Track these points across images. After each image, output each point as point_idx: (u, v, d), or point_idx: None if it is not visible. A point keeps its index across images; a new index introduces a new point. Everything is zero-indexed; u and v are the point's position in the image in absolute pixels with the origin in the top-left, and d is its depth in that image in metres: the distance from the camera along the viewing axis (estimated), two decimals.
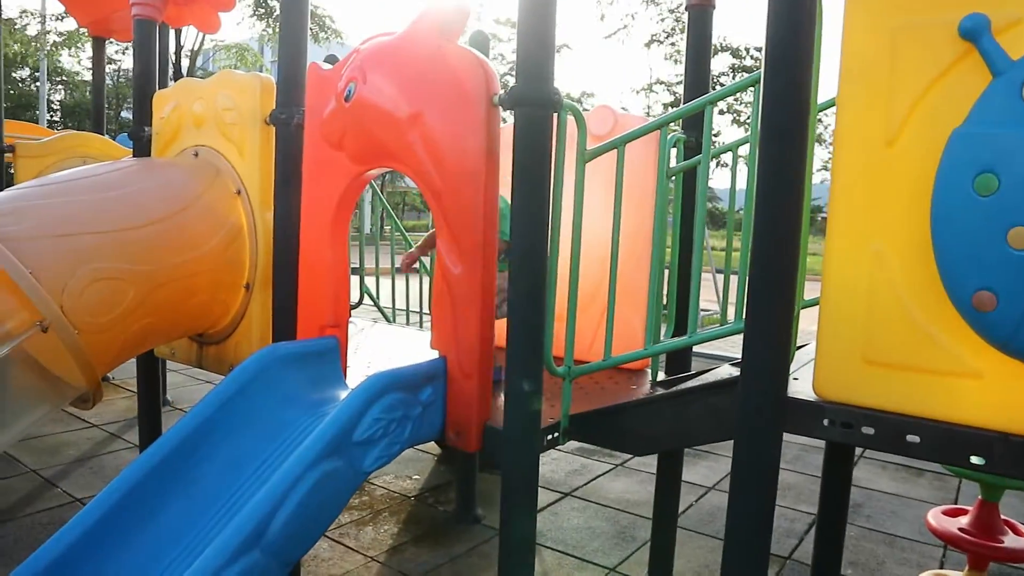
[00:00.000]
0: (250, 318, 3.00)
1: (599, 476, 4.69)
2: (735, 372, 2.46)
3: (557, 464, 4.85)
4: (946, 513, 3.18)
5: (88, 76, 31.81)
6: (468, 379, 2.29)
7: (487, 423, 2.32)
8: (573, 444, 2.82)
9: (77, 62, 28.42)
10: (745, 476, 1.87)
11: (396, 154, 2.40)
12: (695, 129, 2.97)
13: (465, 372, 2.29)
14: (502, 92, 2.22)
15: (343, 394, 2.61)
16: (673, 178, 2.85)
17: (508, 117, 2.42)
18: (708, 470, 4.83)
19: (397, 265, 3.30)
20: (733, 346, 7.58)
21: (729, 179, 3.02)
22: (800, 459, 5.17)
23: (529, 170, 2.14)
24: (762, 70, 1.83)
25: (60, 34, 22.29)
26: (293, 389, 2.52)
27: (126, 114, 31.70)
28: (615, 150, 2.43)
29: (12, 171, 5.19)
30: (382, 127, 2.41)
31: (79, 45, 21.67)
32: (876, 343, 1.72)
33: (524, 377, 2.17)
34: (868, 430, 1.75)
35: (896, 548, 3.88)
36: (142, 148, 3.47)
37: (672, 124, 2.78)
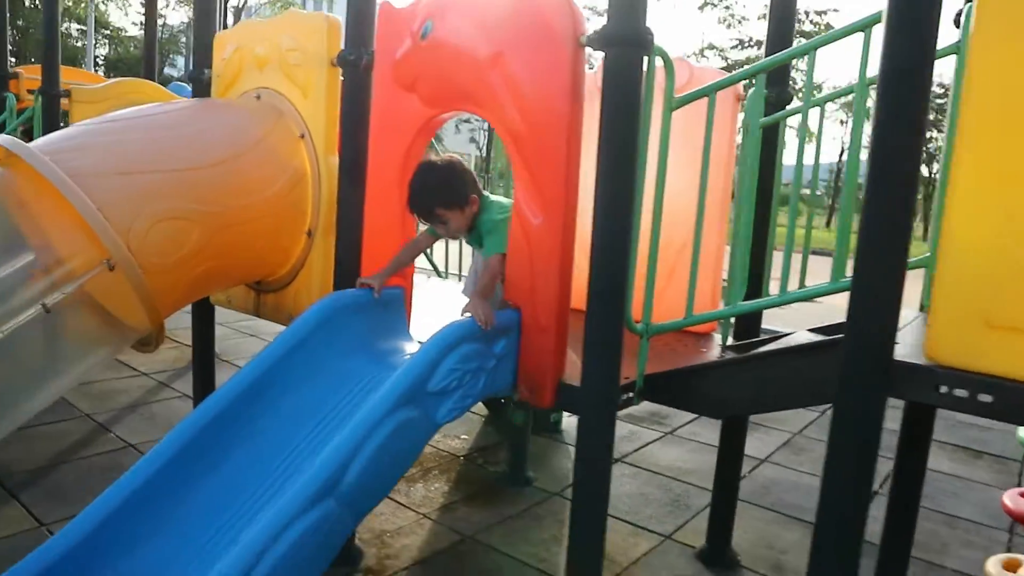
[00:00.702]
0: (311, 266, 2.93)
1: (649, 443, 4.60)
2: (814, 337, 2.35)
3: None
4: (1023, 495, 3.05)
5: (132, 31, 31.99)
6: (544, 333, 2.20)
7: (562, 380, 2.23)
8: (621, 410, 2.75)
9: (124, 14, 28.59)
10: (845, 443, 1.76)
11: (474, 96, 2.30)
12: (776, 85, 2.82)
13: (541, 326, 2.20)
14: (589, 32, 2.10)
15: (408, 344, 2.54)
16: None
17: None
18: (760, 442, 4.72)
19: None
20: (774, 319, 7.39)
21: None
22: None
23: (619, 115, 2.02)
24: (885, 6, 1.68)
25: None
26: (357, 338, 2.46)
27: (169, 70, 31.87)
28: (697, 101, 2.30)
29: (67, 116, 5.18)
30: (460, 68, 2.30)
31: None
32: (1002, 306, 1.60)
33: (605, 333, 2.07)
34: (985, 398, 1.63)
35: (959, 530, 3.75)
36: (202, 90, 3.39)
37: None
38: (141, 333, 2.57)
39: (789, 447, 4.74)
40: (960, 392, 1.66)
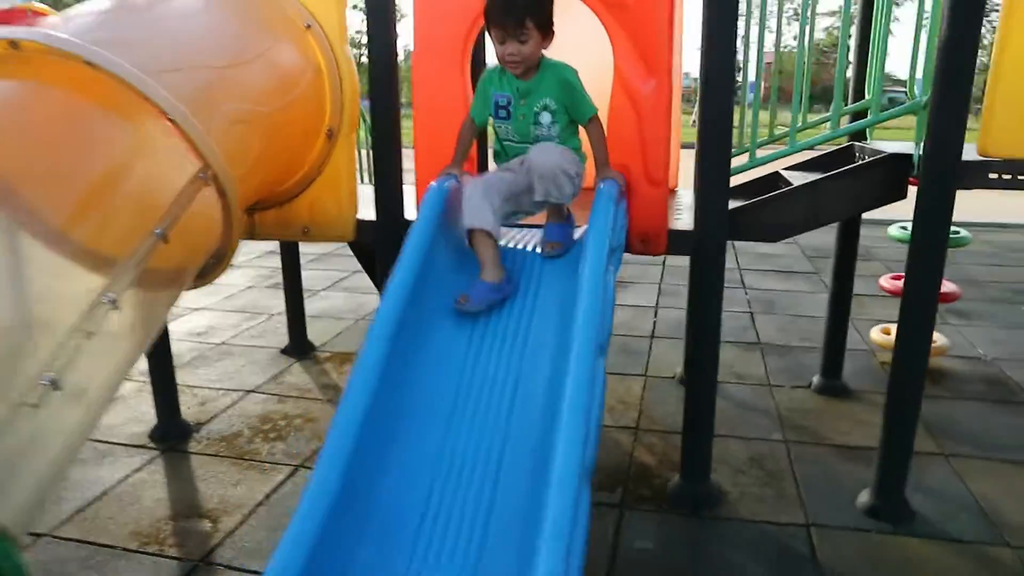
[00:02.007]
0: (336, 170, 2.77)
1: None
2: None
3: None
4: (894, 279, 4.05)
5: None
6: (657, 187, 2.47)
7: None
8: None
9: None
10: (929, 229, 2.35)
11: None
12: None
13: (654, 181, 2.46)
14: None
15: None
16: None
17: None
18: (642, 295, 5.41)
19: None
20: None
21: None
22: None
23: None
24: None
25: None
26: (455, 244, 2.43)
27: None
28: None
29: None
30: None
31: None
32: None
33: (716, 177, 2.42)
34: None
35: (801, 325, 4.80)
36: None
37: None
38: (207, 260, 2.29)
39: (665, 294, 5.56)
40: (1008, 176, 2.31)
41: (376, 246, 2.80)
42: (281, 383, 3.94)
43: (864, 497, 2.71)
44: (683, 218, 2.78)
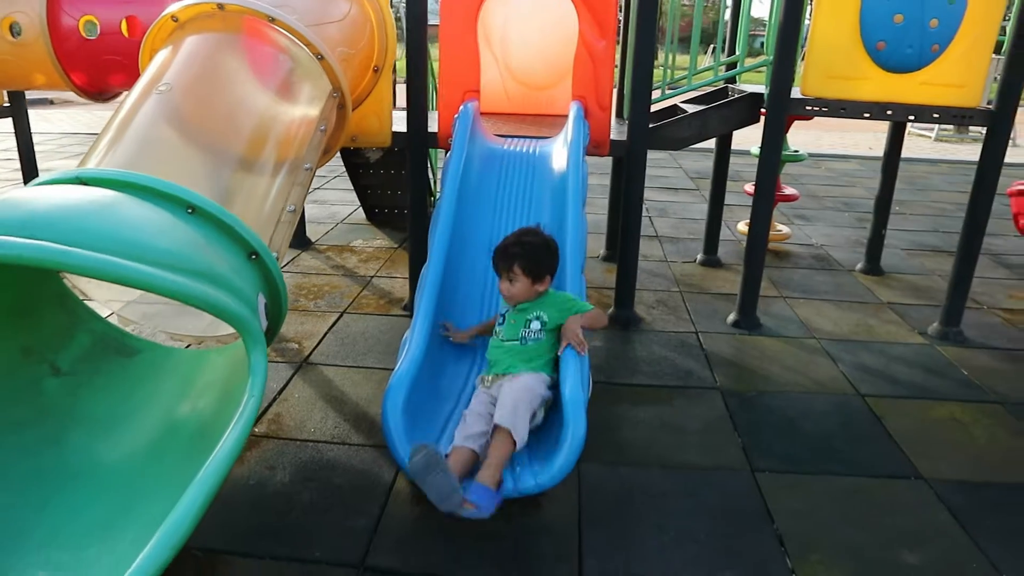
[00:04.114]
0: (379, 95, 3.91)
1: None
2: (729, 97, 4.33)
3: None
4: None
5: None
6: (604, 111, 3.81)
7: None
8: None
9: None
10: (771, 140, 3.78)
11: None
12: None
13: (603, 107, 3.80)
14: None
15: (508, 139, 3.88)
16: None
17: None
18: None
19: None
20: None
21: None
22: None
23: None
24: None
25: None
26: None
27: None
28: None
29: None
30: None
31: None
32: (835, 66, 3.68)
33: (641, 106, 3.77)
34: (837, 108, 3.76)
35: (690, 226, 6.31)
36: None
37: None
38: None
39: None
40: (819, 107, 3.76)
41: (408, 148, 3.99)
42: (299, 265, 5.08)
43: (731, 317, 4.20)
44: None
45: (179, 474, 1.94)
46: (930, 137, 12.95)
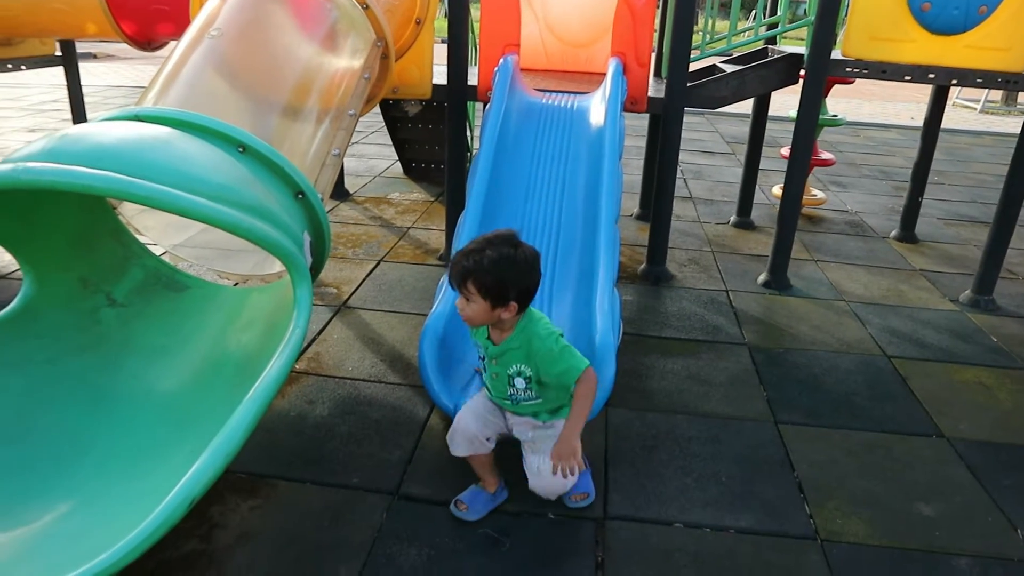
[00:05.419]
0: (420, 47, 3.97)
1: None
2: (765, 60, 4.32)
3: None
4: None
5: None
6: (643, 67, 3.83)
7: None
8: None
9: None
10: (809, 102, 3.78)
11: None
12: None
13: (641, 63, 3.81)
14: None
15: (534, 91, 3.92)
16: None
17: None
18: None
19: None
20: None
21: None
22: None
23: None
24: None
25: None
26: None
27: None
28: None
29: None
30: None
31: None
32: (878, 28, 3.66)
33: (679, 63, 3.78)
34: (878, 71, 3.74)
35: (724, 189, 6.31)
36: None
37: None
38: None
39: None
40: (861, 67, 3.75)
41: (448, 100, 4.04)
42: (338, 215, 5.19)
43: (761, 277, 4.24)
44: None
45: (225, 403, 2.05)
46: (975, 109, 12.66)
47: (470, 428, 2.20)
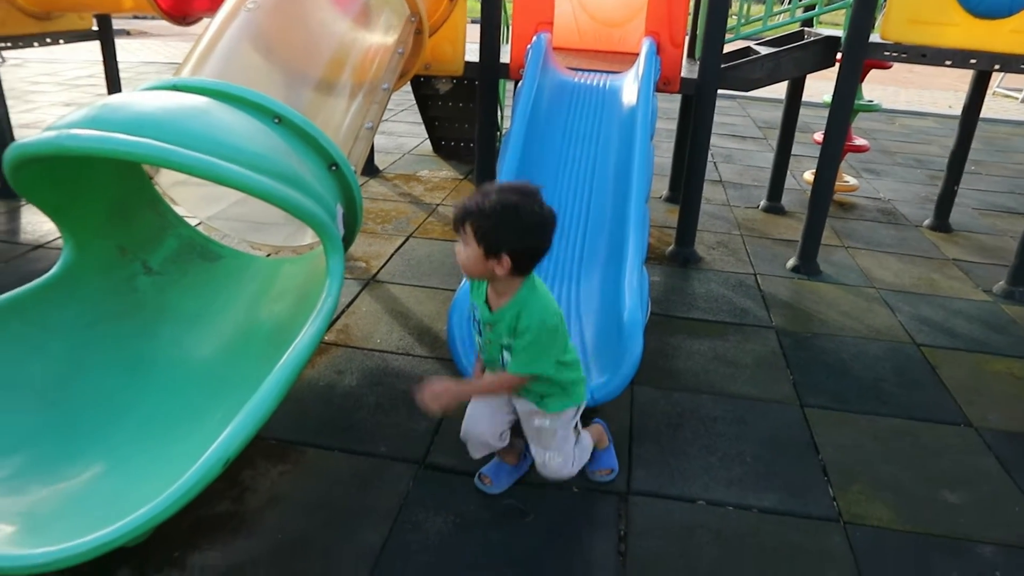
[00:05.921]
0: (454, 24, 3.98)
1: None
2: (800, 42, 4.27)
3: None
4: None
5: None
6: (677, 48, 3.80)
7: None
8: None
9: None
10: (846, 85, 3.73)
11: None
12: None
13: (676, 43, 3.78)
14: None
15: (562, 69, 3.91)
16: None
17: None
18: None
19: None
20: None
21: None
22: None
23: None
24: None
25: None
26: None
27: None
28: None
29: None
30: None
31: None
32: (919, 10, 3.59)
33: (714, 45, 3.74)
34: (917, 55, 3.68)
35: (754, 172, 6.25)
36: None
37: None
38: None
39: None
40: (901, 52, 3.69)
41: (480, 77, 4.05)
42: (367, 191, 5.22)
43: (791, 262, 4.21)
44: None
45: (257, 371, 2.09)
46: (1016, 98, 12.39)
47: (483, 433, 2.18)
